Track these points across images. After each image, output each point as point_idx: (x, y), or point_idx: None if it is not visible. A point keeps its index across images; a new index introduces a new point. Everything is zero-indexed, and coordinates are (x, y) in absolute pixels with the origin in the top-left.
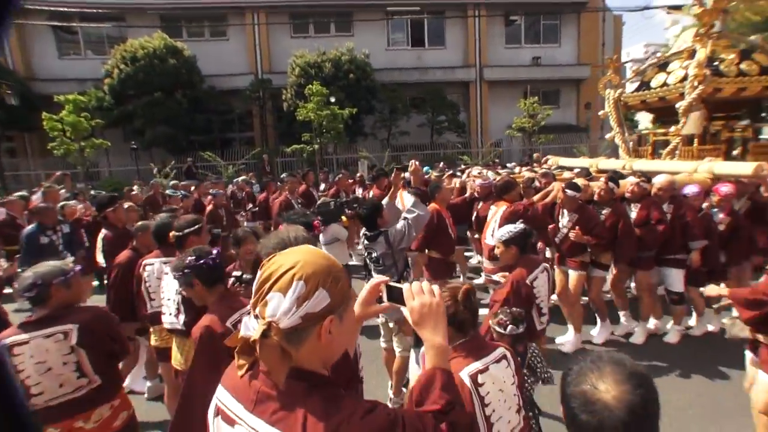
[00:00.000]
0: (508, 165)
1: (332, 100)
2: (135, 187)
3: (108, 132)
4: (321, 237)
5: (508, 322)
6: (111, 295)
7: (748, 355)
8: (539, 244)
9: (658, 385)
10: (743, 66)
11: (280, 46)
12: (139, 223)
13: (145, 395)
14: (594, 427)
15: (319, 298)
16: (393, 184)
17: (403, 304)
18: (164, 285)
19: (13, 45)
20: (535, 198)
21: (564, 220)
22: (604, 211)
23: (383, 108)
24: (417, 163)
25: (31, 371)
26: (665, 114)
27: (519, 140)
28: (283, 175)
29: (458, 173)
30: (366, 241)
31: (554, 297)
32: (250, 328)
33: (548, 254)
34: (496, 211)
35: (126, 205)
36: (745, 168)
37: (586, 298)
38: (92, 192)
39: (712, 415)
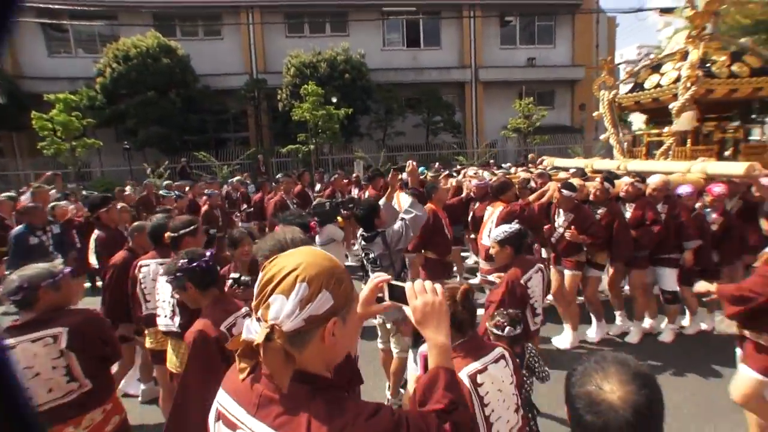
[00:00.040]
0: (504, 165)
1: (334, 100)
2: (127, 188)
3: (100, 132)
4: (317, 238)
5: (505, 324)
6: (106, 297)
7: (739, 352)
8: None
9: None
10: (734, 68)
11: (275, 45)
12: (135, 223)
13: (139, 398)
14: (599, 427)
15: (322, 300)
16: (390, 185)
17: (405, 303)
18: (159, 287)
19: None
20: (531, 198)
21: (560, 219)
22: (599, 211)
23: (379, 108)
24: (414, 163)
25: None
26: (659, 115)
27: (514, 141)
28: (279, 175)
29: (454, 174)
30: (363, 242)
31: (549, 297)
32: (252, 331)
33: (544, 254)
34: (493, 211)
35: (119, 205)
36: (737, 168)
37: (581, 298)
38: (84, 192)
39: (706, 413)
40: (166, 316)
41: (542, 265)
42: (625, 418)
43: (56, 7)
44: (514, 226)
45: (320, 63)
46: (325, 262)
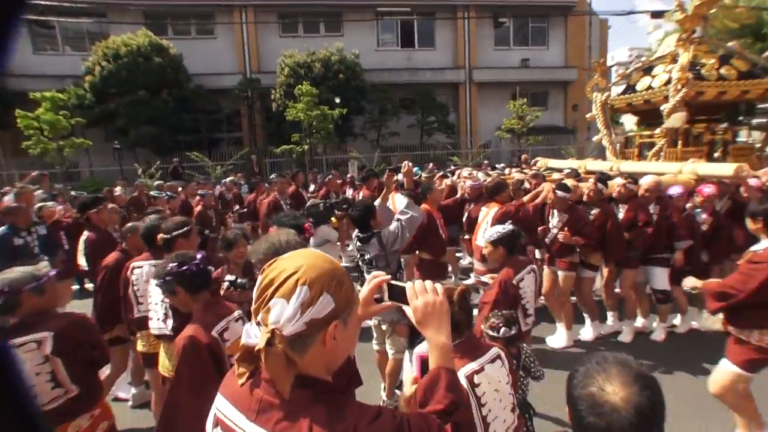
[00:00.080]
0: (497, 166)
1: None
2: (118, 188)
3: (89, 131)
4: (311, 239)
5: (500, 325)
6: (99, 299)
7: None
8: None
9: None
10: (723, 71)
11: (269, 45)
12: (129, 224)
13: (130, 403)
14: (602, 429)
15: (323, 304)
16: (385, 186)
17: (405, 303)
18: (152, 289)
19: None
20: (525, 199)
21: (554, 220)
22: (593, 212)
23: (373, 109)
24: (410, 164)
25: None
26: (650, 116)
27: (508, 141)
28: (273, 175)
29: (448, 174)
30: (359, 243)
31: (542, 298)
32: (252, 335)
33: (537, 255)
34: (488, 212)
35: (108, 206)
36: (726, 169)
37: (574, 298)
38: (72, 193)
39: (697, 410)
40: (158, 319)
41: (534, 266)
42: (627, 420)
43: (42, 2)
44: (508, 226)
45: (314, 63)
46: (326, 264)
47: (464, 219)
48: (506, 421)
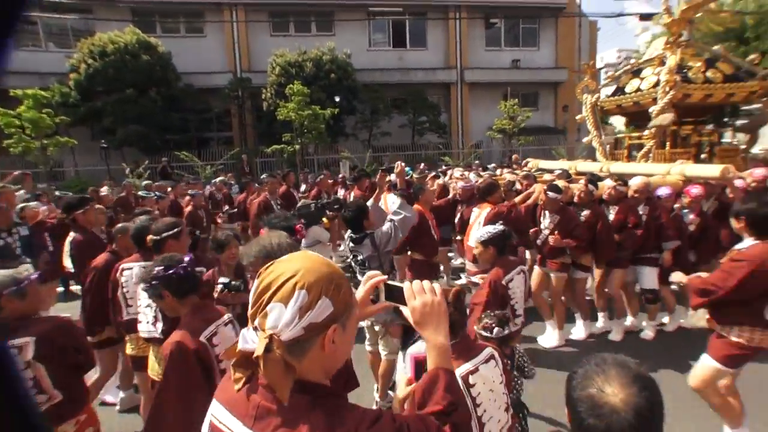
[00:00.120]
0: (489, 167)
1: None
2: (104, 188)
3: (74, 130)
4: (302, 240)
5: (494, 325)
6: (88, 300)
7: None
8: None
9: None
10: (709, 74)
11: (260, 44)
12: (119, 225)
13: (117, 407)
14: (602, 430)
15: (322, 308)
16: (378, 186)
17: (403, 303)
18: (141, 291)
19: None
20: (517, 200)
21: (546, 221)
22: (583, 213)
23: (364, 108)
24: (403, 164)
25: None
26: (639, 118)
27: (499, 142)
28: (263, 175)
29: (440, 174)
30: (352, 244)
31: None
32: (249, 340)
33: (528, 255)
34: (480, 212)
35: (95, 207)
36: (713, 170)
37: (563, 298)
38: (57, 193)
39: (688, 408)
40: (148, 322)
41: (525, 267)
42: (627, 421)
43: None
44: (498, 227)
45: (306, 62)
46: (324, 267)
47: (457, 220)
48: (501, 421)
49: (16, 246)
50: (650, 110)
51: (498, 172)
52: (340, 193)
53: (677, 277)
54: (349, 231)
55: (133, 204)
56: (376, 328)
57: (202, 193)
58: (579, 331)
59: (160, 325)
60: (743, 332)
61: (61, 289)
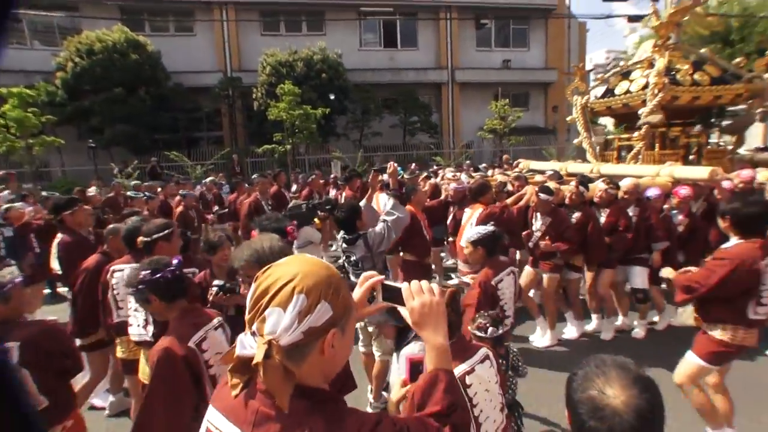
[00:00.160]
0: (480, 167)
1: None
2: (92, 188)
3: (60, 129)
4: (294, 241)
5: (488, 325)
6: (78, 302)
7: None
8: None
9: None
10: (696, 76)
11: (250, 43)
12: (111, 226)
13: (106, 411)
14: None
15: (321, 312)
16: (370, 186)
17: (400, 303)
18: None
19: None
20: (509, 201)
21: (537, 223)
22: (574, 215)
23: (355, 108)
24: (395, 164)
25: None
26: (629, 119)
27: (490, 142)
28: (254, 175)
29: (431, 174)
30: (344, 245)
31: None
32: (246, 345)
33: (518, 256)
34: (472, 213)
35: (84, 208)
36: (701, 172)
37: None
38: (44, 193)
39: (678, 405)
40: (138, 325)
41: (515, 269)
42: (629, 423)
43: None
44: (489, 227)
45: (296, 62)
46: (322, 270)
47: (449, 221)
48: (496, 421)
49: (1, 247)
50: (639, 112)
51: (489, 172)
52: (332, 193)
53: (667, 272)
54: (341, 232)
55: (122, 204)
56: (370, 329)
57: (193, 193)
58: (571, 330)
59: (150, 329)
60: (726, 330)
61: (48, 291)
